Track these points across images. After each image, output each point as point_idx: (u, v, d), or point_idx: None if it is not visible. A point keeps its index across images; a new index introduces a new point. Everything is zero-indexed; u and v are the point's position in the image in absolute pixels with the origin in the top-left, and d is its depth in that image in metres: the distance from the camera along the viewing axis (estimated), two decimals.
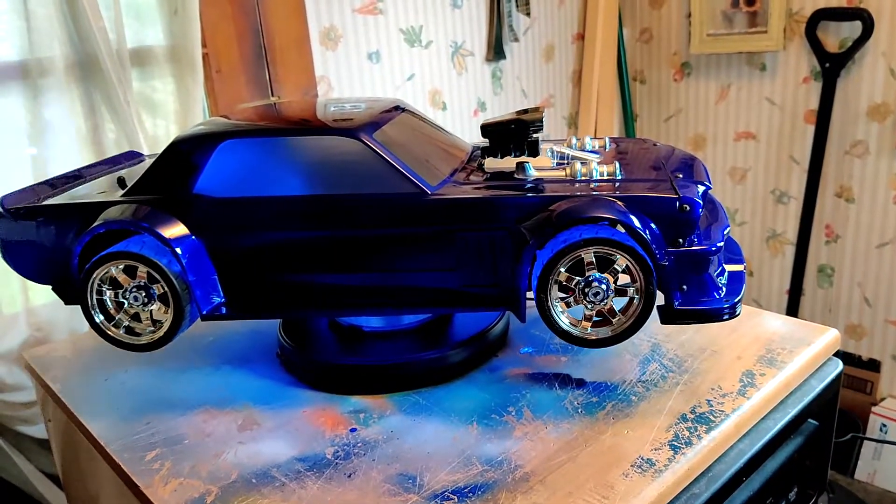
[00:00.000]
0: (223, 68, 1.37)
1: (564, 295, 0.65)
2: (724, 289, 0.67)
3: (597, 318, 0.66)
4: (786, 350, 0.74)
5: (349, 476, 0.60)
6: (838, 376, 0.76)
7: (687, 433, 0.62)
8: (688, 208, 0.65)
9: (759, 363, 0.72)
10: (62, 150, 1.17)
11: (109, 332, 0.69)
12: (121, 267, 0.67)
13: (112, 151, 1.23)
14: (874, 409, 1.98)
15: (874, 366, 2.03)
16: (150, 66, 1.28)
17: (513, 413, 0.66)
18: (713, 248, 0.66)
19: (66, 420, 0.75)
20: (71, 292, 0.74)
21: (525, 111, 0.74)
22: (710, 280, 0.67)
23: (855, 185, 1.94)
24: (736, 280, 0.69)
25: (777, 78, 2.01)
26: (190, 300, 0.68)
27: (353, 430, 0.66)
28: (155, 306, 0.67)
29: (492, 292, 0.68)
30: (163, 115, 1.31)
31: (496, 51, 1.89)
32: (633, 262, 0.63)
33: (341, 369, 0.73)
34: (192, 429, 0.68)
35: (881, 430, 1.96)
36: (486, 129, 0.73)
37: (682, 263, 0.65)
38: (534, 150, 0.72)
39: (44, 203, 0.73)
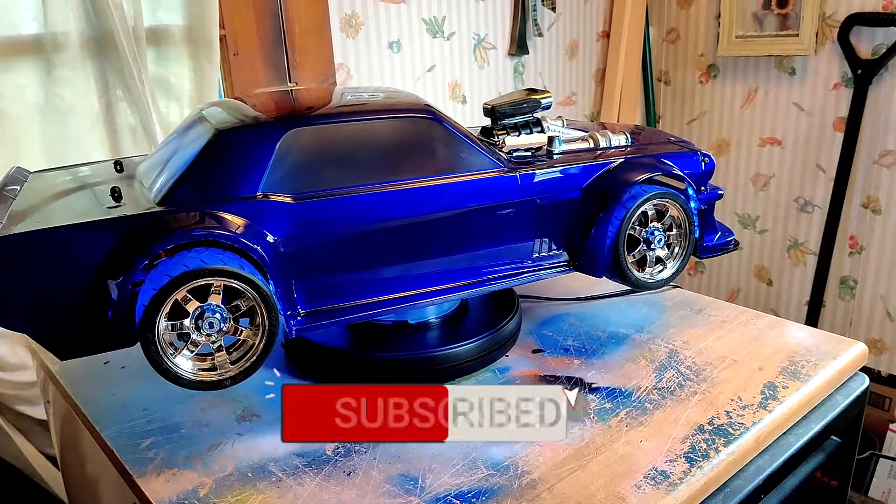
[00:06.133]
0: (241, 51, 1.35)
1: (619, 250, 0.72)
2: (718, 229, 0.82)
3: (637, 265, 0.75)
4: (810, 363, 0.71)
5: (349, 474, 0.57)
6: (864, 392, 0.73)
7: (704, 445, 0.59)
8: (708, 160, 0.79)
9: (782, 375, 0.69)
10: (74, 128, 1.15)
11: (202, 378, 0.57)
12: (188, 289, 0.55)
13: (125, 132, 1.22)
14: (892, 426, 1.94)
15: (893, 382, 1.98)
16: (166, 46, 1.26)
17: None
18: (720, 194, 0.80)
19: (65, 403, 0.73)
20: (72, 341, 0.57)
21: (531, 90, 0.76)
22: (714, 221, 0.81)
23: (882, 196, 1.89)
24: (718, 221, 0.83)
25: (807, 83, 1.96)
26: (279, 314, 0.59)
27: None
28: (240, 329, 0.58)
29: (568, 255, 0.74)
30: (177, 98, 1.29)
31: (519, 45, 1.86)
32: (683, 210, 0.73)
33: (346, 363, 0.70)
34: (190, 417, 0.66)
35: None
36: (497, 109, 0.74)
37: (704, 208, 0.78)
38: (540, 127, 0.76)
39: (49, 226, 0.55)
